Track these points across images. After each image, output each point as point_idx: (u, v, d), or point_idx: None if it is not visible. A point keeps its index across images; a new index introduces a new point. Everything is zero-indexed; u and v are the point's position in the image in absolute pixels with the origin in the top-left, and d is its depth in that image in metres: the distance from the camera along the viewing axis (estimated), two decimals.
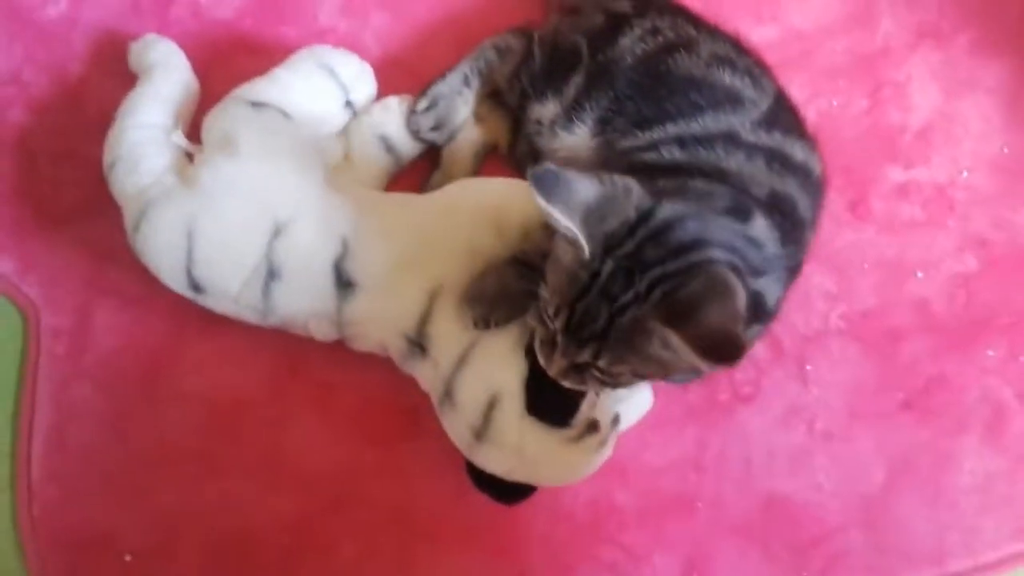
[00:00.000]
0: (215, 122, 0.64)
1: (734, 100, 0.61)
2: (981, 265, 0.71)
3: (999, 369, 0.68)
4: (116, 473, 0.66)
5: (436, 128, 0.72)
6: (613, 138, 0.63)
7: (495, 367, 0.58)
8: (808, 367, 0.68)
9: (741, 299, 0.50)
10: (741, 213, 0.55)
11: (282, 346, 0.66)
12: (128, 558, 0.64)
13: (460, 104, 0.73)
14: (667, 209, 0.52)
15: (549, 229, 0.53)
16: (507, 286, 0.58)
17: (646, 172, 0.56)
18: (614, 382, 0.53)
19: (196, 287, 0.62)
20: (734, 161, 0.58)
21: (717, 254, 0.51)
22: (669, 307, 0.49)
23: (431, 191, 0.69)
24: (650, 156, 0.59)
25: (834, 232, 0.71)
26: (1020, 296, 0.70)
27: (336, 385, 0.67)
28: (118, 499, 0.65)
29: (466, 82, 0.73)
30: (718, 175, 0.57)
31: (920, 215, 0.72)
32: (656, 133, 0.61)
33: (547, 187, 0.49)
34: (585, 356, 0.52)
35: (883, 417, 0.67)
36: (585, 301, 0.51)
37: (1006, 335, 0.69)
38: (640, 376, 0.53)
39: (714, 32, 0.67)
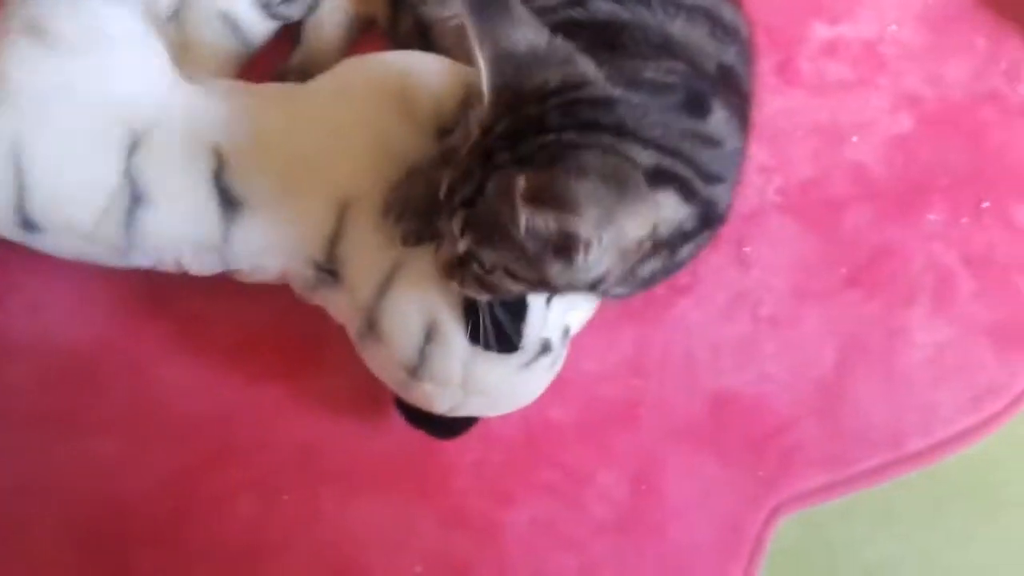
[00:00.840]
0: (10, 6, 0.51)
1: None
2: (916, 124, 0.66)
3: (942, 233, 0.63)
4: None
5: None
6: None
7: (429, 291, 0.48)
8: (747, 248, 0.62)
9: (643, 211, 0.41)
10: (697, 105, 0.46)
11: (135, 275, 0.54)
12: None
13: None
14: (601, 87, 0.43)
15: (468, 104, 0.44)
16: (438, 190, 0.46)
17: (575, 34, 0.46)
18: (493, 283, 0.44)
19: (30, 225, 0.49)
20: (678, 25, 0.50)
21: (643, 156, 0.42)
22: (538, 179, 0.39)
23: (291, 77, 0.57)
24: (577, 12, 0.50)
25: (762, 98, 0.64)
26: (957, 155, 0.65)
27: (210, 317, 0.56)
28: None
29: None
30: (666, 45, 0.49)
31: (850, 74, 0.66)
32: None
33: (486, 11, 0.40)
34: (461, 244, 0.42)
35: (829, 295, 0.61)
36: (467, 162, 0.42)
37: (947, 197, 0.64)
38: (515, 278, 0.43)
39: None
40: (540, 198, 0.38)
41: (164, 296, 0.56)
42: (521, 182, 0.37)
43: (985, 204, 0.64)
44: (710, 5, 0.52)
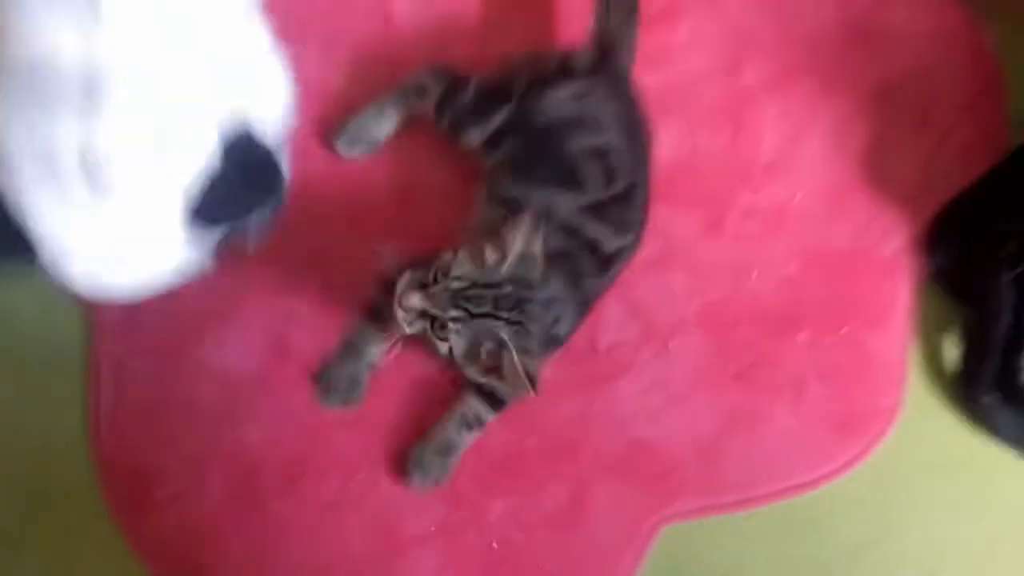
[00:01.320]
0: None
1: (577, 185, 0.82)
2: (802, 268, 0.94)
3: (807, 350, 0.92)
4: (161, 424, 0.90)
5: (356, 146, 0.91)
6: (505, 179, 0.83)
7: None
8: (671, 345, 0.93)
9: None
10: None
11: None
12: (169, 490, 0.89)
13: (381, 124, 0.90)
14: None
15: None
16: None
17: None
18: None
19: None
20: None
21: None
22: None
23: None
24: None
25: (698, 243, 0.94)
26: (830, 293, 0.94)
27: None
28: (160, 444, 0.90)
29: (382, 113, 0.90)
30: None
31: (761, 229, 0.95)
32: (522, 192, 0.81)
33: None
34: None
35: (720, 385, 0.92)
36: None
37: (816, 323, 0.93)
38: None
39: (625, 121, 0.86)
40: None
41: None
42: None
43: (844, 330, 0.93)
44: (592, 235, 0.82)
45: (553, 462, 0.90)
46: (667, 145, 0.94)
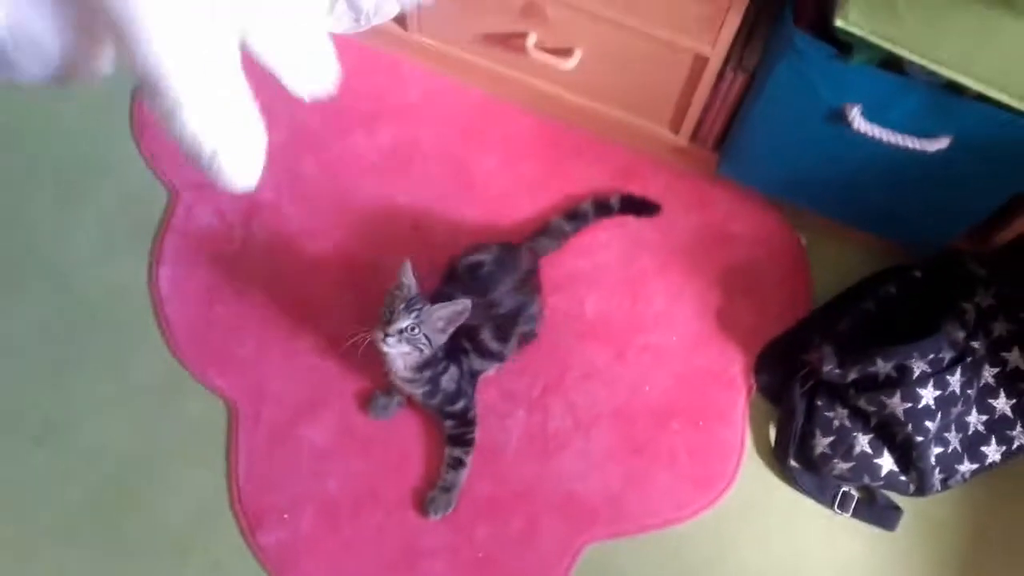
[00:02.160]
0: None
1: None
2: (676, 383, 1.49)
3: (678, 435, 1.46)
4: (273, 480, 1.43)
5: None
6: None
7: None
8: (591, 432, 1.46)
9: None
10: None
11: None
12: (278, 518, 1.41)
13: None
14: None
15: None
16: None
17: None
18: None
19: None
20: None
21: None
22: None
23: None
24: None
25: (611, 367, 1.49)
26: (691, 399, 1.48)
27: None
28: (272, 493, 1.43)
29: None
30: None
31: (651, 359, 1.50)
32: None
33: None
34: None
35: (623, 457, 1.44)
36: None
37: (682, 418, 1.47)
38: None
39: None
40: None
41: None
42: None
43: (701, 423, 1.47)
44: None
45: (517, 503, 1.42)
46: (592, 305, 1.51)
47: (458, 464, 1.40)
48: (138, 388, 1.45)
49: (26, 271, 1.51)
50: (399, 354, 1.29)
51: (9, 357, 1.46)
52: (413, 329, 1.26)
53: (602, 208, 1.55)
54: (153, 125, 1.61)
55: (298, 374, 1.46)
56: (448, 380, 1.36)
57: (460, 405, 1.39)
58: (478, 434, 1.42)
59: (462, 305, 1.27)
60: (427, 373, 1.34)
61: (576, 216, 1.54)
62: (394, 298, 1.28)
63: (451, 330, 1.30)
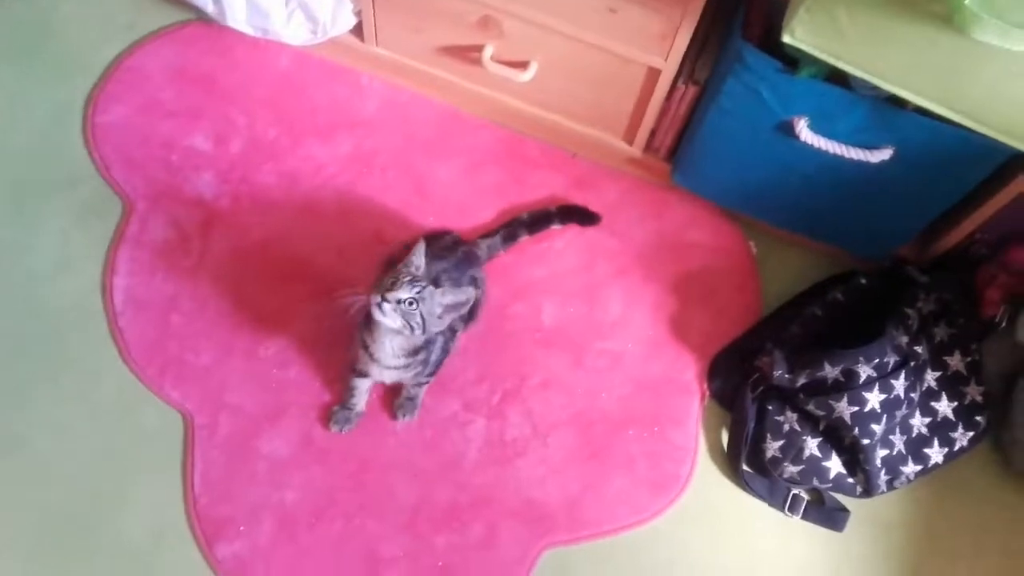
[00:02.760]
0: None
1: None
2: (632, 390, 1.52)
3: (634, 441, 1.49)
4: (231, 489, 1.43)
5: None
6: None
7: None
8: (549, 440, 1.48)
9: None
10: None
11: None
12: (236, 529, 1.41)
13: None
14: None
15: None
16: None
17: None
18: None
19: None
20: None
21: None
22: None
23: None
24: None
25: (568, 373, 1.51)
26: (646, 405, 1.51)
27: None
28: (230, 502, 1.43)
29: None
30: None
31: (608, 365, 1.53)
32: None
33: None
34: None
35: (581, 462, 1.46)
36: None
37: (638, 424, 1.49)
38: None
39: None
40: None
41: None
42: None
43: (656, 428, 1.50)
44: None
45: (476, 509, 1.43)
46: (550, 313, 1.53)
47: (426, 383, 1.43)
48: (94, 401, 1.44)
49: None
50: (388, 335, 1.27)
51: None
52: (411, 304, 1.20)
53: (540, 219, 1.57)
54: (107, 134, 1.60)
55: (257, 384, 1.46)
56: (439, 350, 1.37)
57: (438, 357, 1.39)
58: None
59: (465, 295, 1.26)
60: (420, 356, 1.32)
61: (512, 227, 1.55)
62: (400, 272, 1.23)
63: (447, 320, 1.29)
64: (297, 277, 1.53)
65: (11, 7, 1.71)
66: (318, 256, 1.55)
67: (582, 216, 1.59)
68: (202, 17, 1.67)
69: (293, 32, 1.60)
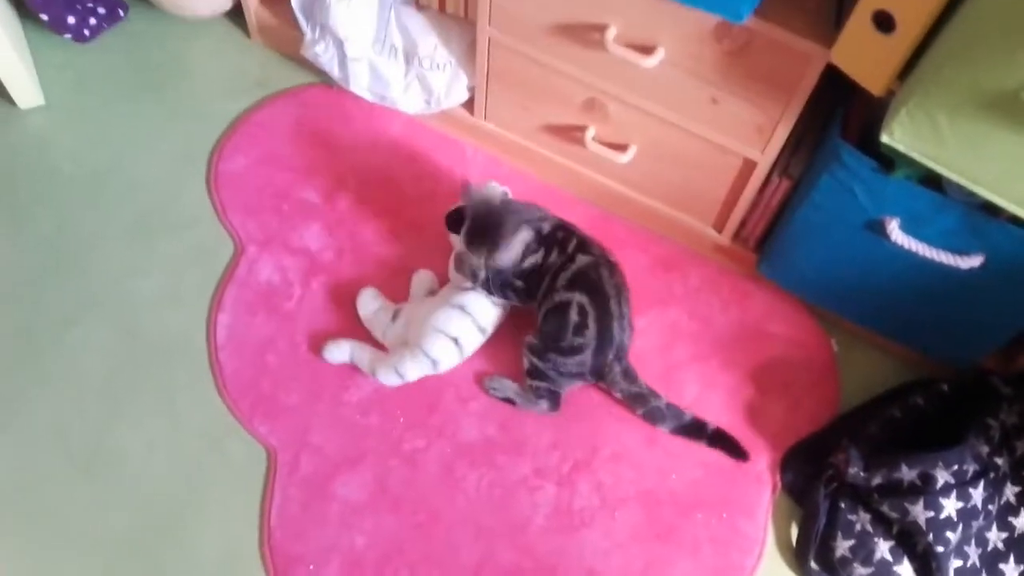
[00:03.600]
0: None
1: None
2: (703, 474, 1.52)
3: (701, 525, 1.48)
4: (305, 529, 1.47)
5: None
6: None
7: None
8: (616, 513, 1.49)
9: None
10: None
11: None
12: (307, 566, 1.45)
13: None
14: None
15: None
16: None
17: None
18: None
19: None
20: None
21: None
22: None
23: None
24: None
25: (640, 451, 1.52)
26: (716, 491, 1.51)
27: None
28: (303, 541, 1.47)
29: None
30: None
31: (681, 446, 1.54)
32: None
33: None
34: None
35: (646, 540, 1.46)
36: None
37: (707, 509, 1.49)
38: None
39: None
40: None
41: None
42: None
43: (725, 515, 1.49)
44: None
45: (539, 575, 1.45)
46: None
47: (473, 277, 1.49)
48: (186, 428, 1.51)
49: (96, 309, 1.60)
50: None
51: (70, 388, 1.53)
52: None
53: (695, 429, 1.54)
54: (227, 180, 1.72)
55: (340, 428, 1.52)
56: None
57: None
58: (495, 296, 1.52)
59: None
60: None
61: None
62: None
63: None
64: None
65: (148, 49, 1.87)
66: None
67: (732, 448, 1.54)
68: (326, 80, 1.80)
69: (409, 101, 1.71)
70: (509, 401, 1.53)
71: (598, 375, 1.50)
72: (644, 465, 1.52)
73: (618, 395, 1.52)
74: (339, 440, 1.51)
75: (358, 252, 1.67)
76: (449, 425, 1.53)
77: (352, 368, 1.56)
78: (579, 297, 1.44)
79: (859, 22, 1.13)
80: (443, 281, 1.61)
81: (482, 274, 1.47)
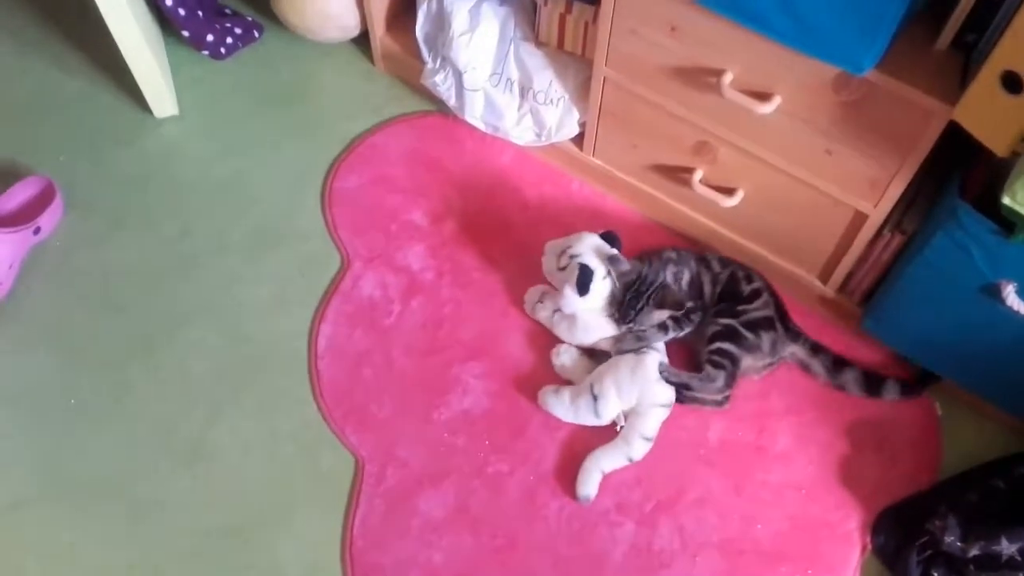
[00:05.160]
0: None
1: None
2: (789, 527, 1.49)
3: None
4: (385, 542, 1.50)
5: None
6: None
7: None
8: (697, 558, 1.47)
9: None
10: None
11: None
12: None
13: None
14: None
15: None
16: None
17: None
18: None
19: None
20: None
21: None
22: None
23: None
24: None
25: (726, 497, 1.50)
26: (802, 546, 1.47)
27: None
28: (382, 552, 1.49)
29: None
30: None
31: (769, 497, 1.51)
32: None
33: None
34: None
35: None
36: None
37: (791, 563, 1.45)
38: None
39: None
40: None
41: None
42: None
43: (810, 571, 1.45)
44: None
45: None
46: (717, 432, 1.55)
47: (662, 328, 1.53)
48: (281, 431, 1.57)
49: (208, 312, 1.68)
50: None
51: (177, 385, 1.61)
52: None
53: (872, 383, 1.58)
54: (340, 198, 1.79)
55: (427, 445, 1.54)
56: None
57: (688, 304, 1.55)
58: (684, 330, 1.56)
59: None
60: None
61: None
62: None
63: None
64: (481, 354, 1.62)
65: (278, 70, 1.97)
66: (502, 337, 1.64)
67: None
68: (442, 109, 1.86)
69: (520, 133, 1.75)
70: (684, 386, 1.53)
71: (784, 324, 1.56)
72: (728, 513, 1.50)
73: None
74: (425, 456, 1.54)
75: (458, 275, 1.70)
76: (534, 452, 1.54)
77: (443, 387, 1.59)
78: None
79: (986, 81, 1.11)
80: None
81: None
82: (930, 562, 1.40)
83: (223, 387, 1.61)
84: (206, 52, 1.93)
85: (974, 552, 1.33)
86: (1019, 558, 1.30)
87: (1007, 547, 1.30)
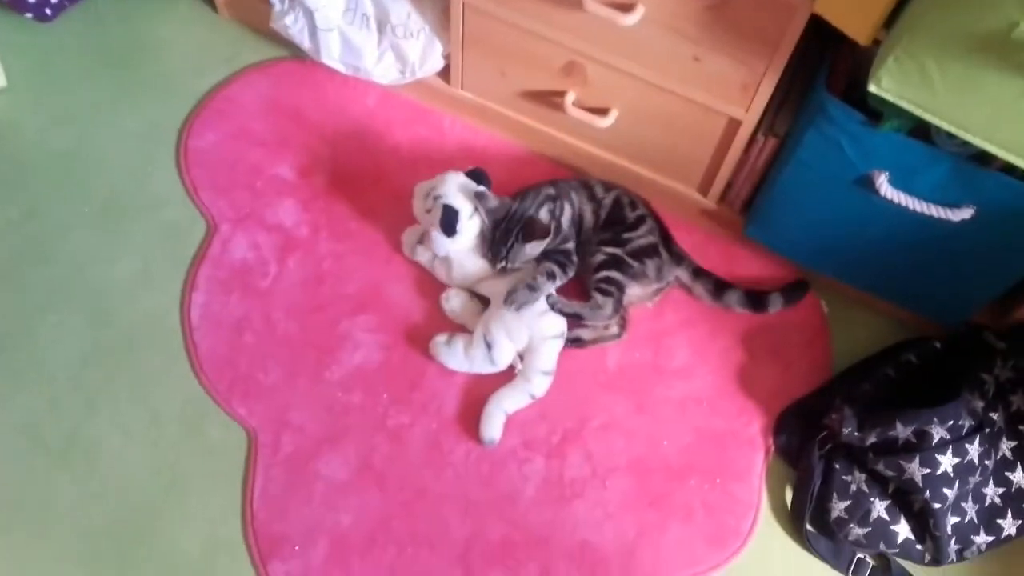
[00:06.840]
0: None
1: None
2: (694, 440, 1.50)
3: (694, 491, 1.46)
4: (287, 509, 1.44)
5: None
6: None
7: None
8: (607, 483, 1.46)
9: None
10: None
11: None
12: (292, 547, 1.41)
13: None
14: None
15: None
16: None
17: None
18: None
19: None
20: None
21: None
22: None
23: None
24: None
25: (629, 419, 1.50)
26: (709, 456, 1.48)
27: None
28: (287, 520, 1.43)
29: None
30: None
31: (671, 412, 1.51)
32: None
33: None
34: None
35: (638, 509, 1.43)
36: None
37: (699, 475, 1.47)
38: None
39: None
40: None
41: None
42: None
43: (719, 480, 1.47)
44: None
45: (531, 548, 1.40)
46: (615, 357, 1.53)
47: (550, 276, 1.47)
48: (163, 412, 1.47)
49: (66, 296, 1.55)
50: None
51: (43, 377, 1.48)
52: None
53: (756, 300, 1.58)
54: (198, 158, 1.67)
55: (322, 406, 1.48)
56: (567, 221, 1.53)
57: (570, 245, 1.52)
58: (569, 275, 1.52)
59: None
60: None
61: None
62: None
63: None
64: (368, 307, 1.56)
65: (113, 27, 1.81)
66: (388, 287, 1.57)
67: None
68: (297, 54, 1.75)
69: (383, 71, 1.66)
70: (575, 316, 1.50)
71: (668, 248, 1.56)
72: (634, 433, 1.49)
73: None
74: (321, 418, 1.47)
75: (334, 227, 1.62)
76: (434, 401, 1.49)
77: (331, 345, 1.52)
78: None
79: None
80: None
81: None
82: (831, 455, 1.43)
83: (93, 375, 1.49)
84: (30, 14, 1.76)
85: (871, 440, 1.36)
86: (914, 439, 1.33)
87: (902, 431, 1.33)
